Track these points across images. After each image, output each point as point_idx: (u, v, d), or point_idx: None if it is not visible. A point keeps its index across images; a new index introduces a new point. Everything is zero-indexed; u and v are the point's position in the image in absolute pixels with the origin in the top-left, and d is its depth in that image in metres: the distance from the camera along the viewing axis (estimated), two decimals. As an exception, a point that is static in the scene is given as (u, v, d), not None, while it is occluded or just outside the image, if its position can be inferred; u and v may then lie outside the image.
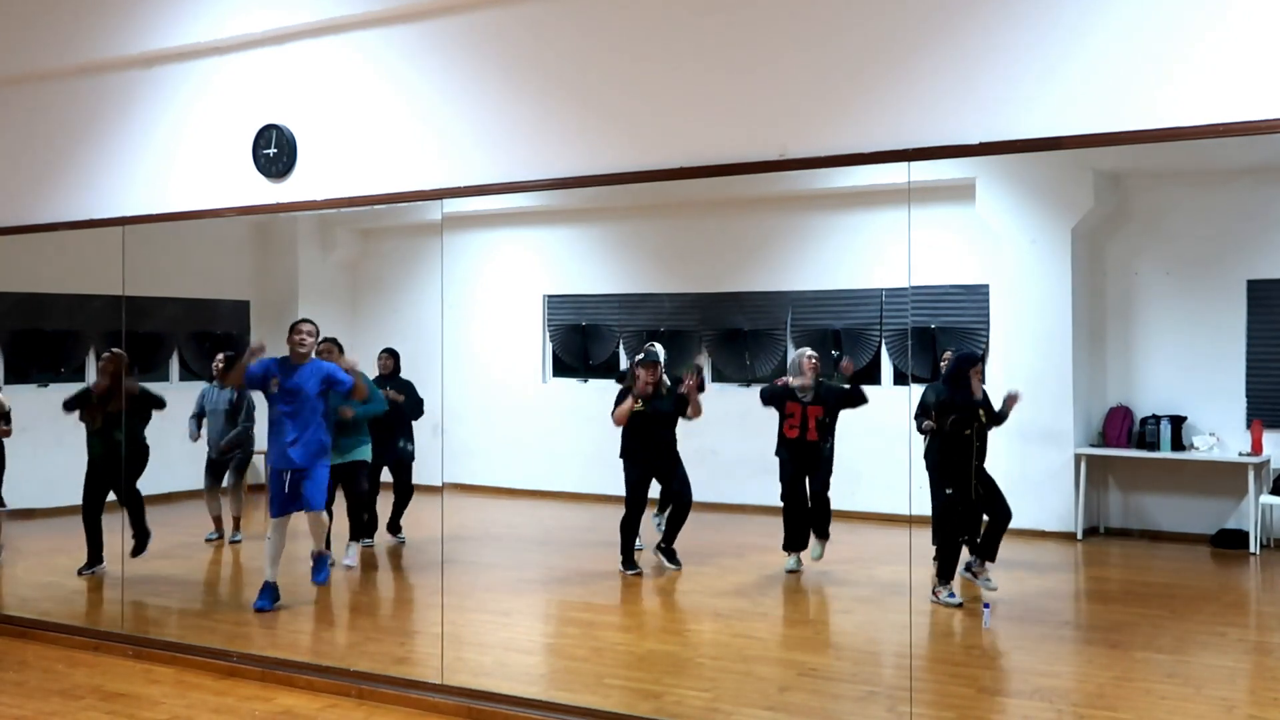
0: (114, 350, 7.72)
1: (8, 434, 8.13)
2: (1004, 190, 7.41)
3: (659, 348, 8.02)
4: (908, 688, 5.16)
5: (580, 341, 9.26)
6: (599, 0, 5.46)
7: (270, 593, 7.01)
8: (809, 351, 7.31)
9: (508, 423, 9.06)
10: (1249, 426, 6.78)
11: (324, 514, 7.08)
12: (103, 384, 7.78)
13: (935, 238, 6.95)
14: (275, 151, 6.35)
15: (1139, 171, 7.13)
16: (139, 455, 7.84)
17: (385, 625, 7.23)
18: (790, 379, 7.35)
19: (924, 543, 6.89)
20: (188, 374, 9.08)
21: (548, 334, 9.33)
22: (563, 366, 9.31)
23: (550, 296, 9.37)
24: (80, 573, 7.86)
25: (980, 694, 5.54)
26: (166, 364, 9.09)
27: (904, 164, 4.74)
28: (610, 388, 8.88)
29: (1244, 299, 6.81)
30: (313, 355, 7.00)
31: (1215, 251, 7.02)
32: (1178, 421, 6.97)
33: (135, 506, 7.81)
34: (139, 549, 7.76)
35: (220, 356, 8.52)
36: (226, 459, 8.51)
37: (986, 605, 6.52)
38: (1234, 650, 6.21)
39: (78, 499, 8.41)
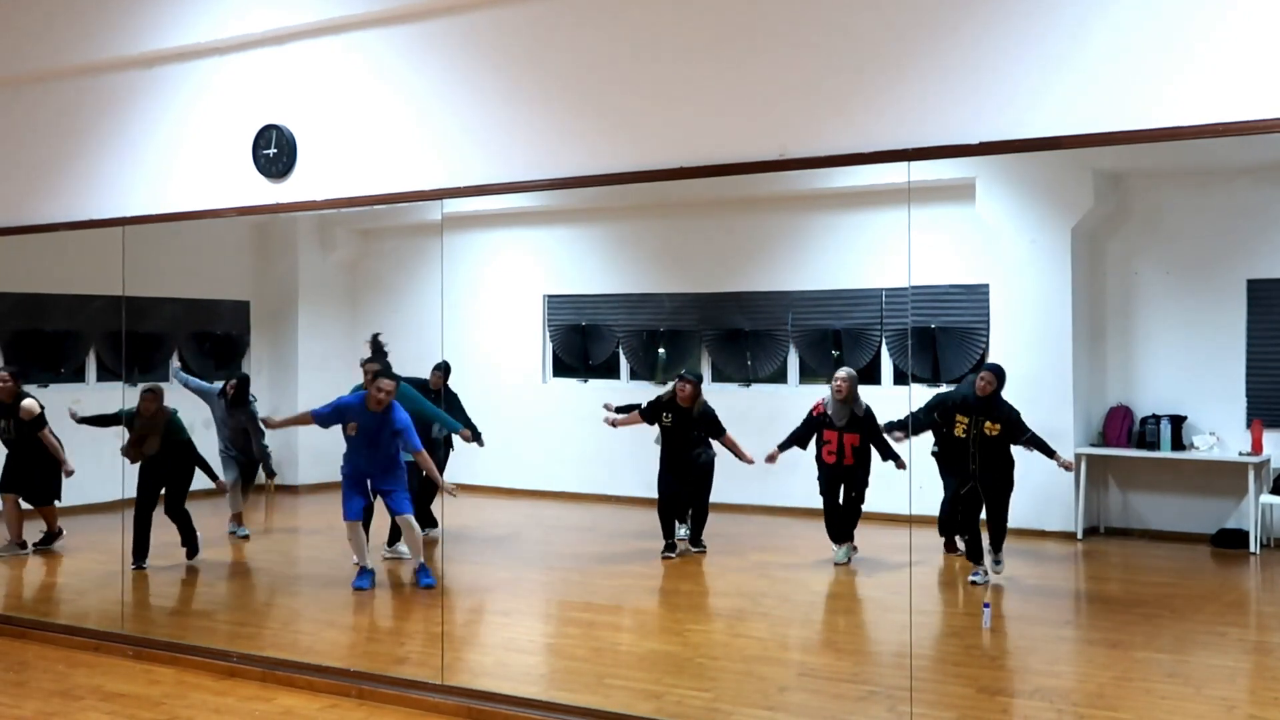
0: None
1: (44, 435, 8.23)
2: (1004, 190, 7.41)
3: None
4: (908, 688, 5.16)
5: (580, 341, 9.26)
6: (599, 0, 5.46)
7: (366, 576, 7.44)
8: (840, 375, 7.36)
9: (508, 423, 9.06)
10: (1249, 426, 6.77)
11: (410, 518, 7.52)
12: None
13: (935, 238, 6.95)
14: (275, 151, 6.35)
15: (1139, 171, 7.13)
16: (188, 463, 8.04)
17: (385, 625, 7.23)
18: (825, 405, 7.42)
19: (923, 542, 6.89)
20: (188, 374, 9.07)
21: (548, 334, 9.33)
22: (563, 366, 9.32)
23: (550, 296, 9.37)
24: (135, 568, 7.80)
25: (980, 694, 5.54)
26: (166, 364, 9.09)
27: (904, 164, 4.74)
28: (610, 388, 8.87)
29: (1244, 299, 6.81)
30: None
31: (1215, 251, 7.01)
32: (1178, 421, 6.96)
33: (183, 524, 8.02)
34: (193, 554, 8.06)
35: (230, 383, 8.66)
36: (238, 458, 8.56)
37: (986, 605, 6.53)
38: (1234, 650, 6.20)
39: (77, 499, 8.42)
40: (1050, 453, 6.69)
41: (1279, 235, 6.87)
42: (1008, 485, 6.76)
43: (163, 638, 6.69)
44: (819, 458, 7.42)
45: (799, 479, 7.56)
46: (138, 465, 7.82)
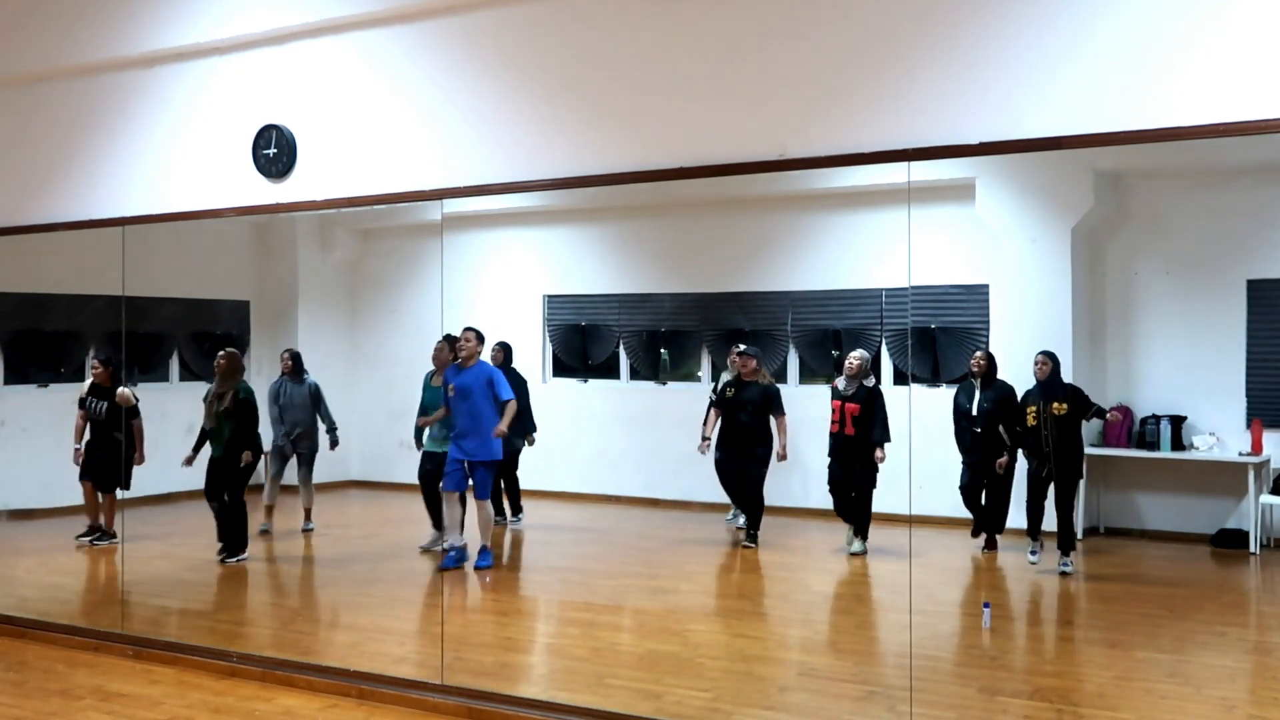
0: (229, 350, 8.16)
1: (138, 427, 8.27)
2: (1004, 190, 7.41)
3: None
4: (908, 688, 5.16)
5: (580, 341, 9.26)
6: (599, 1, 5.46)
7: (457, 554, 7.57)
8: (853, 355, 7.52)
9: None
10: (1249, 426, 6.77)
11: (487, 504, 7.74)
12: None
13: (935, 238, 6.95)
14: (275, 151, 6.35)
15: (1139, 171, 7.13)
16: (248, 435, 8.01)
17: (385, 625, 7.22)
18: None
19: (922, 542, 6.89)
20: (188, 374, 9.08)
21: (548, 334, 9.34)
22: (563, 366, 9.32)
23: (550, 296, 9.37)
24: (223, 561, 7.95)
25: (980, 694, 5.54)
26: (166, 364, 9.09)
27: (904, 164, 4.74)
28: (610, 388, 8.88)
29: (1244, 299, 6.81)
30: (478, 359, 7.60)
31: (1215, 251, 7.02)
32: (1178, 421, 6.96)
33: (231, 515, 8.01)
34: (233, 553, 7.99)
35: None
36: (295, 449, 8.56)
37: (987, 605, 6.53)
38: (1234, 650, 6.21)
39: (77, 499, 8.43)
40: (1103, 413, 6.83)
41: (1279, 235, 6.87)
42: (1078, 467, 6.80)
43: (163, 638, 6.70)
44: (829, 433, 7.49)
45: (801, 479, 7.57)
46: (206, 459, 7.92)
